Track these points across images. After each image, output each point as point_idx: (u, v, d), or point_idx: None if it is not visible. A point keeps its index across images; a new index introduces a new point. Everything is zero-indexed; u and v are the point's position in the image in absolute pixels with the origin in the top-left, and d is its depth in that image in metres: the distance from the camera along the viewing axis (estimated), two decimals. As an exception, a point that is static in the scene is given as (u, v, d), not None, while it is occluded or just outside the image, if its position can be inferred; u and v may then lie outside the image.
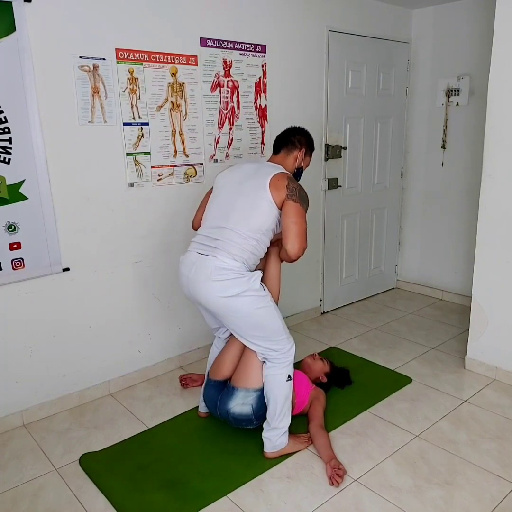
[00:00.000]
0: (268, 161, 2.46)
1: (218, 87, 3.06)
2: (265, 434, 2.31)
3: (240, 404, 2.35)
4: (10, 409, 2.59)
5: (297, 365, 2.72)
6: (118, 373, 2.96)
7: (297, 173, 2.46)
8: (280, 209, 2.20)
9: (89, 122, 2.58)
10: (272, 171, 2.25)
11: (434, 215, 4.33)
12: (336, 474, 2.14)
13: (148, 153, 2.84)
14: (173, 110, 2.88)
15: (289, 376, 2.29)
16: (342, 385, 2.87)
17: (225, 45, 3.03)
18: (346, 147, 3.90)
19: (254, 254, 2.24)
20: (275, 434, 2.29)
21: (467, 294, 3.91)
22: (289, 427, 2.33)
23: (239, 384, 2.37)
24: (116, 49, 2.61)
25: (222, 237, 2.21)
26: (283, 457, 2.31)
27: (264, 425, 2.32)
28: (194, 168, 3.06)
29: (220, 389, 2.44)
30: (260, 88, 3.26)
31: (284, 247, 2.16)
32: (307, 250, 2.20)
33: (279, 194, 2.18)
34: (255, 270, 2.27)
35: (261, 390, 2.35)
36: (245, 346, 2.41)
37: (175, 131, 2.92)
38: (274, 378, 2.28)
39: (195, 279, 2.21)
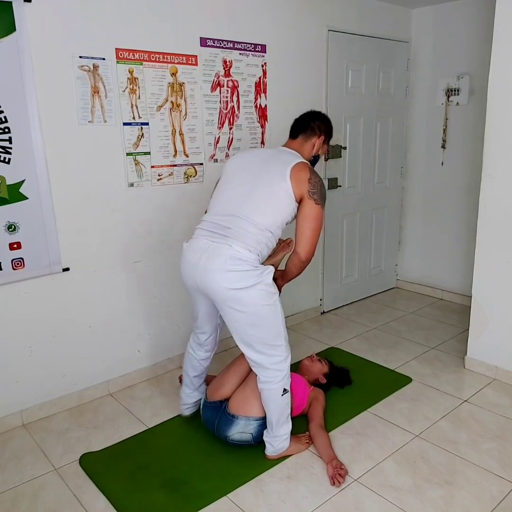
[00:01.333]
0: (284, 146, 2.32)
1: (218, 87, 3.06)
2: (266, 438, 2.28)
3: (240, 432, 2.28)
4: (10, 409, 2.59)
5: (295, 367, 2.72)
6: (118, 373, 2.96)
7: (313, 161, 2.33)
8: (298, 202, 2.11)
9: (89, 122, 2.58)
10: (292, 159, 2.14)
11: (434, 214, 4.33)
12: (338, 474, 2.14)
13: (148, 153, 2.83)
14: (173, 110, 2.88)
15: (284, 390, 2.17)
16: (342, 385, 2.86)
17: (225, 45, 3.03)
18: (346, 147, 3.90)
19: (267, 246, 2.15)
20: (276, 440, 2.26)
21: (467, 294, 3.91)
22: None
23: (239, 412, 2.28)
24: (116, 49, 2.61)
25: (234, 226, 2.08)
26: (283, 457, 2.31)
27: (265, 431, 2.28)
28: (194, 168, 3.06)
29: (218, 410, 2.35)
30: (260, 88, 3.26)
31: (295, 250, 2.13)
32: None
33: (299, 187, 2.07)
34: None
35: (262, 419, 2.27)
36: (250, 371, 2.33)
37: (175, 131, 2.92)
38: (269, 392, 2.17)
39: (206, 267, 2.06)
